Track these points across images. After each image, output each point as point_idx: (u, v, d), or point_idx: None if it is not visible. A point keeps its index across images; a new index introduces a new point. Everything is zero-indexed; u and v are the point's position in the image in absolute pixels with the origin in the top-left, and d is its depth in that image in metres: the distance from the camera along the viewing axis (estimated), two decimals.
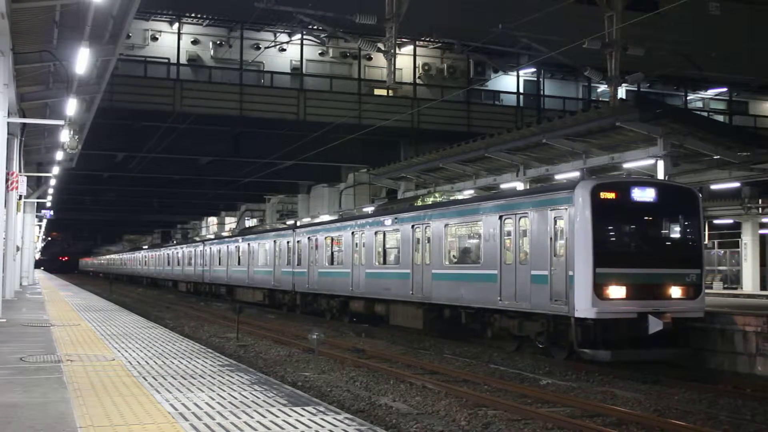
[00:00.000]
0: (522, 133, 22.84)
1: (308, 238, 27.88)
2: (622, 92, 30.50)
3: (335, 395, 11.97)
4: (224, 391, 8.60)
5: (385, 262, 22.37)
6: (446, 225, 19.03)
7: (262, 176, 38.17)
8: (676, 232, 15.77)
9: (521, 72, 37.47)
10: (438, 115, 34.07)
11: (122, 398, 8.02)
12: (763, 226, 34.63)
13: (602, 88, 36.77)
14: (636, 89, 36.72)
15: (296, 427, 6.81)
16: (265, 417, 7.21)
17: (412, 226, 20.50)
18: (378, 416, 10.45)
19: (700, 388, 12.60)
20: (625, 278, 14.33)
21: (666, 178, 18.80)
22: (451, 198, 22.82)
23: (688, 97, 41.76)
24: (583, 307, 14.04)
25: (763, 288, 33.78)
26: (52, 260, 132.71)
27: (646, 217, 15.35)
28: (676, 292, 14.74)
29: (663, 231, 15.79)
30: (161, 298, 44.15)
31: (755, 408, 11.15)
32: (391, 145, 35.11)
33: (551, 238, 15.02)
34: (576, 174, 21.42)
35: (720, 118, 40.02)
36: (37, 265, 79.62)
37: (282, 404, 7.89)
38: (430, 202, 21.78)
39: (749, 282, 34.11)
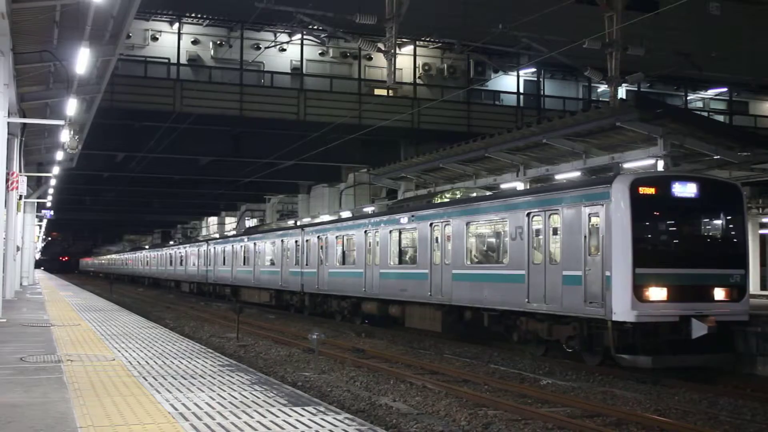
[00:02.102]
0: (522, 133, 22.82)
1: (318, 237, 27.22)
2: (622, 92, 30.47)
3: (335, 395, 11.97)
4: (224, 391, 8.60)
5: (400, 262, 21.66)
6: (468, 223, 18.22)
7: (262, 176, 38.15)
8: (719, 229, 15.01)
9: (521, 72, 37.44)
10: (438, 115, 34.05)
11: (122, 398, 8.03)
12: (763, 226, 34.65)
13: (602, 88, 36.73)
14: (636, 89, 36.70)
15: (296, 427, 6.82)
16: (265, 417, 7.22)
17: (431, 224, 19.70)
18: (378, 416, 10.46)
19: (700, 388, 12.60)
20: (666, 279, 13.58)
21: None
22: (472, 195, 21.52)
23: (688, 97, 41.74)
24: (622, 309, 13.28)
25: (763, 288, 33.75)
26: (53, 260, 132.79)
27: (687, 214, 14.62)
28: (719, 294, 13.95)
29: (705, 229, 15.11)
30: (161, 298, 44.15)
31: (755, 408, 11.16)
32: (391, 145, 35.10)
33: (585, 237, 14.24)
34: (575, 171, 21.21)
35: (720, 118, 39.96)
36: (38, 265, 79.59)
37: (282, 404, 7.89)
38: (448, 199, 21.00)
39: (749, 282, 34.02)
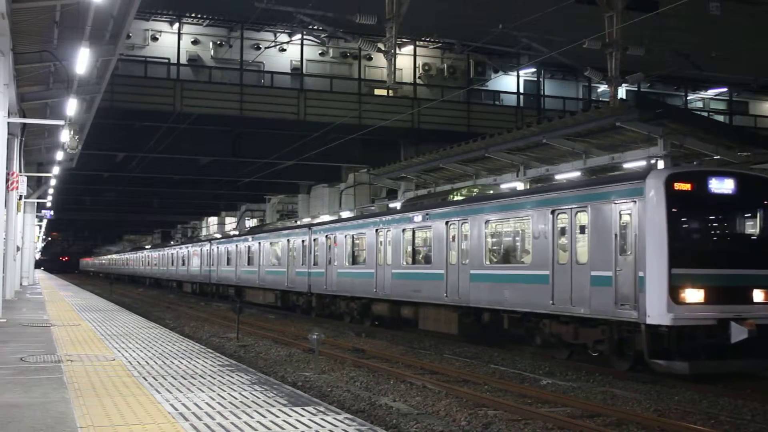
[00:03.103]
0: (522, 133, 22.83)
1: (326, 236, 26.41)
2: (622, 92, 30.50)
3: (335, 395, 11.97)
4: (224, 391, 8.60)
5: (414, 262, 20.92)
6: (487, 221, 17.42)
7: (262, 176, 38.16)
8: (759, 228, 14.01)
9: (521, 72, 37.47)
10: (438, 115, 34.06)
11: (122, 398, 8.03)
12: None
13: (602, 88, 36.77)
14: (636, 89, 36.70)
15: (296, 427, 6.82)
16: (265, 417, 7.22)
17: (446, 223, 18.87)
18: (378, 416, 10.45)
19: (700, 388, 12.59)
20: (703, 280, 12.83)
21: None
22: (490, 192, 20.53)
23: (688, 97, 41.76)
24: (657, 312, 12.58)
25: None
26: (53, 260, 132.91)
27: (725, 211, 13.88)
28: (759, 295, 13.18)
29: (744, 227, 14.26)
30: (162, 298, 44.15)
31: (755, 408, 11.15)
32: (391, 145, 35.10)
33: (616, 235, 13.48)
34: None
35: (720, 118, 39.99)
36: (38, 265, 79.62)
37: (282, 404, 7.89)
38: (464, 196, 20.18)
39: None
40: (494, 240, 17.74)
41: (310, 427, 6.81)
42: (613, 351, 13.96)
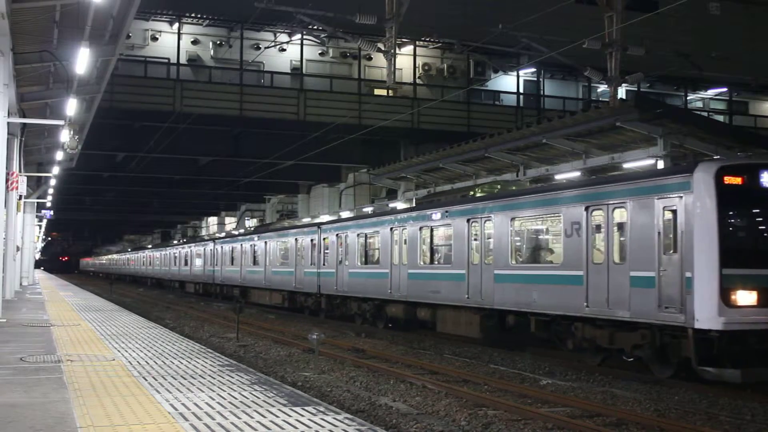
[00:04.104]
0: (522, 133, 22.83)
1: (336, 235, 25.46)
2: (622, 92, 30.48)
3: (335, 395, 11.97)
4: (224, 391, 8.60)
5: (432, 262, 19.94)
6: (513, 218, 16.49)
7: (262, 176, 38.17)
8: None
9: (521, 72, 37.47)
10: (438, 115, 34.06)
11: (122, 398, 8.03)
12: None
13: (602, 88, 36.75)
14: (636, 89, 36.70)
15: (296, 427, 6.82)
16: (265, 417, 7.22)
17: (468, 221, 17.97)
18: (378, 416, 10.45)
19: (700, 388, 12.58)
20: (756, 281, 12.02)
21: None
22: (514, 188, 19.55)
23: (688, 97, 41.77)
24: (706, 316, 11.77)
25: None
26: (52, 260, 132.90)
27: None
28: None
29: None
30: (161, 298, 44.15)
31: (755, 408, 11.15)
32: (391, 145, 35.12)
33: (659, 233, 12.65)
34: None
35: (720, 118, 40.00)
36: (37, 265, 79.62)
37: (282, 404, 7.89)
38: (486, 193, 19.07)
39: None
40: (521, 238, 16.84)
41: (310, 427, 6.81)
42: (654, 357, 13.20)
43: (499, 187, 19.72)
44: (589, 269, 14.09)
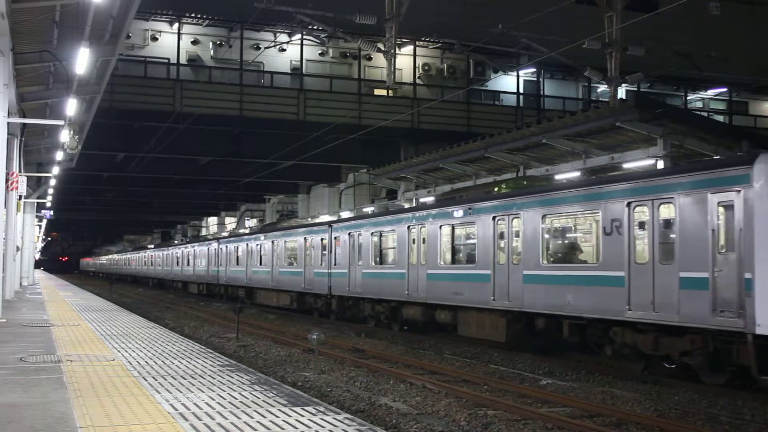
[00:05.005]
0: (522, 133, 22.84)
1: (349, 234, 24.46)
2: (622, 92, 30.48)
3: (335, 395, 11.97)
4: (224, 391, 8.60)
5: (454, 262, 18.98)
6: (544, 215, 15.55)
7: (262, 176, 38.17)
8: None
9: (521, 72, 37.48)
10: (438, 115, 34.08)
11: (122, 398, 8.02)
12: None
13: (602, 88, 36.77)
14: (636, 89, 36.71)
15: (296, 427, 6.81)
16: (265, 417, 7.21)
17: (494, 218, 17.02)
18: (378, 416, 10.45)
19: (699, 388, 12.57)
20: None
21: None
22: (543, 183, 18.63)
23: (688, 97, 41.77)
24: None
25: None
26: (52, 260, 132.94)
27: None
28: None
29: None
30: (161, 299, 44.16)
31: (755, 408, 11.14)
32: (391, 145, 35.13)
33: (713, 231, 11.78)
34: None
35: (720, 118, 40.01)
36: (37, 265, 79.61)
37: (282, 404, 7.89)
38: (511, 189, 18.19)
39: None
40: (553, 237, 15.98)
41: (310, 427, 6.80)
42: (706, 364, 12.36)
43: (525, 183, 18.87)
44: (631, 270, 13.20)
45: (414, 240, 20.55)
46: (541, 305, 15.45)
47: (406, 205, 29.57)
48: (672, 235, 12.58)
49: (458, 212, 18.67)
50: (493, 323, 17.02)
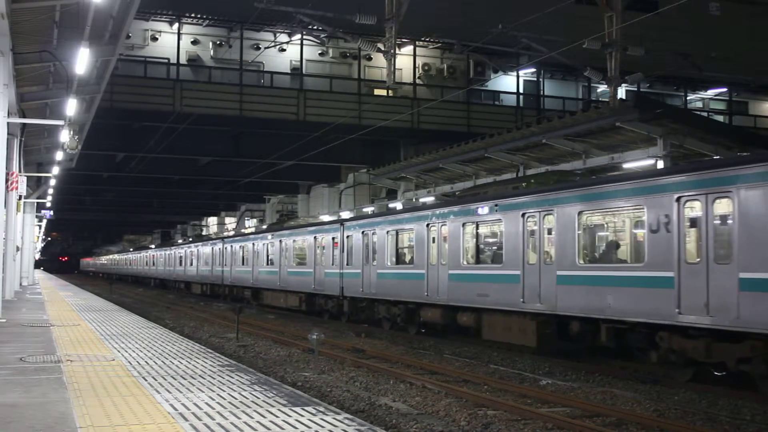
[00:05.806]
0: (522, 133, 22.85)
1: (363, 232, 23.47)
2: (622, 92, 30.47)
3: (335, 395, 11.97)
4: (224, 391, 8.60)
5: (478, 262, 18.07)
6: (580, 212, 14.65)
7: (262, 176, 38.20)
8: None
9: (521, 72, 37.50)
10: (438, 115, 34.09)
11: (122, 398, 8.02)
12: None
13: (602, 88, 36.75)
14: (636, 89, 36.72)
15: (296, 427, 6.81)
16: (265, 417, 7.21)
17: (523, 215, 16.06)
18: (378, 416, 10.45)
19: (700, 388, 12.57)
20: None
21: None
22: (577, 178, 17.63)
23: (688, 97, 41.78)
24: None
25: None
26: (52, 260, 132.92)
27: None
28: None
29: None
30: (161, 299, 44.16)
31: (755, 408, 11.14)
32: (391, 145, 35.15)
33: None
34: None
35: (720, 118, 40.02)
36: (37, 265, 79.57)
37: (282, 404, 7.89)
38: (539, 184, 17.34)
39: None
40: (590, 235, 15.13)
41: (310, 427, 6.80)
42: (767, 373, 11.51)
43: (555, 178, 17.90)
44: (681, 270, 12.22)
45: (434, 239, 19.58)
46: (577, 308, 14.48)
47: (424, 201, 28.37)
48: (730, 233, 11.60)
49: (483, 209, 17.70)
50: (522, 327, 16.02)
